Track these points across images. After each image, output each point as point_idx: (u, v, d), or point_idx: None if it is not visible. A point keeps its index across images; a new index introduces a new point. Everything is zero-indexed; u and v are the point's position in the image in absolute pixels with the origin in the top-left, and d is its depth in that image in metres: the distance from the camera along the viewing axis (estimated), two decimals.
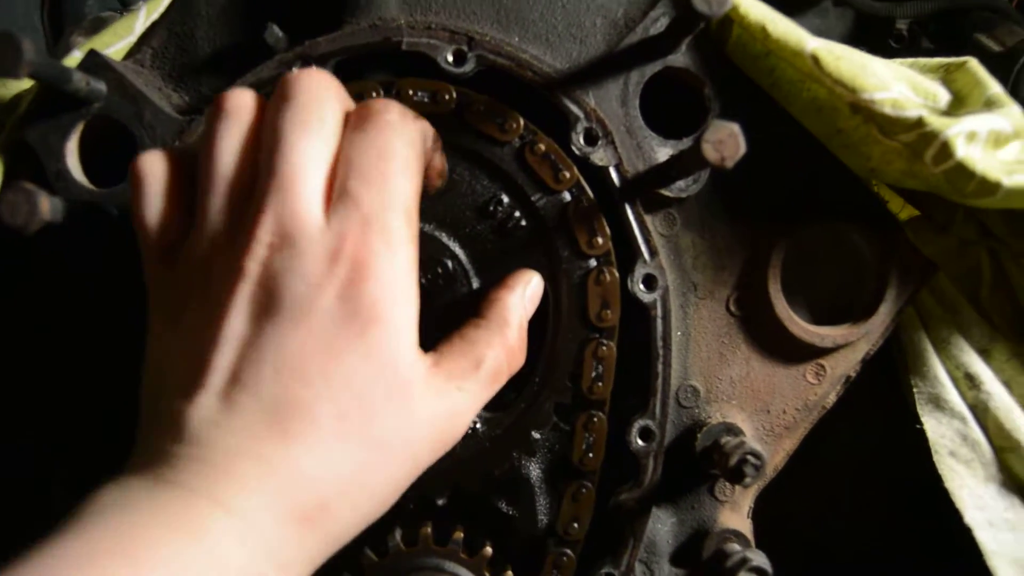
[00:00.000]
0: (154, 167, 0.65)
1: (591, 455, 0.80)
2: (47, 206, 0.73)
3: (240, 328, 0.59)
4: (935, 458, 0.83)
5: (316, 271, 0.59)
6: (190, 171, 0.66)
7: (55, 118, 0.81)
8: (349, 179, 0.60)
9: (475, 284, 0.78)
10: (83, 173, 0.83)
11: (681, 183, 0.78)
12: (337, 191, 0.60)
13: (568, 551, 0.83)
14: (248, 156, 0.63)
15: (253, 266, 0.59)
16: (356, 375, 0.59)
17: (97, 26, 1.60)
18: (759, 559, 0.76)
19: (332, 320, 0.59)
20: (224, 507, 0.54)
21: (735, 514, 0.84)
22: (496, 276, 0.77)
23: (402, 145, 0.63)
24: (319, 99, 0.62)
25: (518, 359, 0.73)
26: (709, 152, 0.63)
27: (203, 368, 0.58)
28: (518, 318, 0.74)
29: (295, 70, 0.64)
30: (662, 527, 0.85)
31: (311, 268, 0.59)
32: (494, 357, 0.70)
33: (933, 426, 0.83)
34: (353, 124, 0.63)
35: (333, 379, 0.59)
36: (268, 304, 0.59)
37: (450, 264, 0.78)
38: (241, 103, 0.64)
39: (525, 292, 0.75)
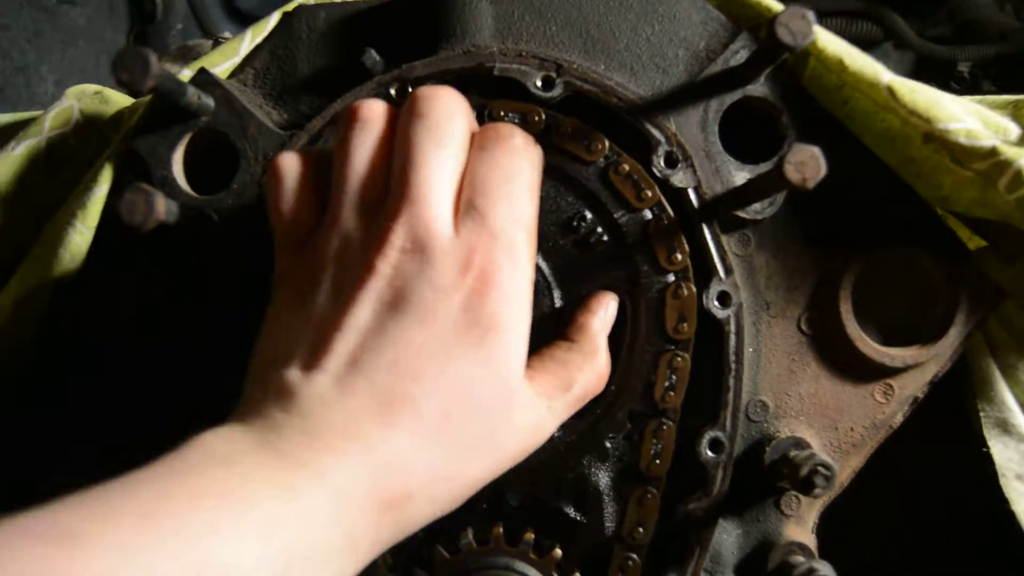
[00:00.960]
0: (290, 164, 0.72)
1: (658, 462, 0.83)
2: (163, 207, 0.79)
3: (365, 319, 0.63)
4: (1001, 481, 0.84)
5: (446, 279, 0.63)
6: (321, 172, 0.72)
7: (165, 130, 0.87)
8: (477, 196, 0.65)
9: (556, 295, 0.82)
10: (186, 181, 0.89)
11: (757, 205, 0.82)
12: (464, 206, 0.65)
13: (634, 555, 0.85)
14: (379, 163, 0.68)
15: (385, 267, 0.63)
16: (467, 378, 0.63)
17: (184, 54, 1.70)
18: (825, 569, 0.78)
19: (454, 325, 0.63)
20: (320, 478, 0.58)
21: (800, 528, 0.86)
22: (576, 289, 0.82)
23: (526, 167, 0.68)
24: (449, 116, 0.67)
25: (603, 384, 0.78)
26: (791, 173, 0.67)
27: (324, 349, 0.63)
28: (604, 343, 0.79)
29: (425, 87, 0.69)
30: (727, 538, 0.87)
31: (441, 276, 0.63)
32: (584, 381, 0.75)
33: (1000, 450, 0.84)
34: (479, 144, 0.68)
35: (445, 379, 0.63)
36: (395, 303, 0.63)
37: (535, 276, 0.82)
38: (375, 113, 0.69)
39: (605, 315, 0.80)
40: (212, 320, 0.89)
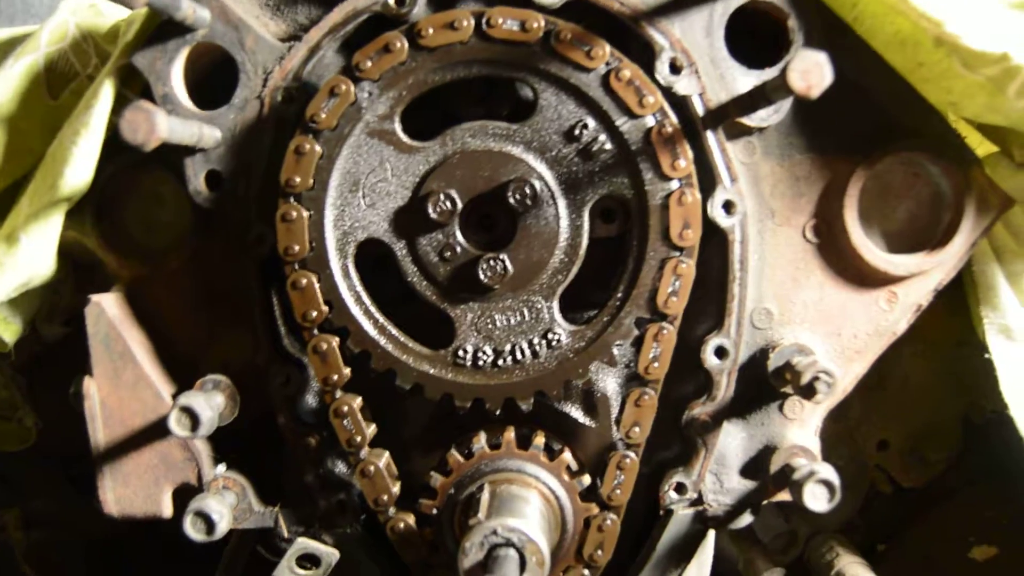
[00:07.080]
0: None
1: (656, 364, 0.84)
2: (164, 124, 0.78)
3: None
4: (1002, 387, 0.84)
5: None
6: None
7: (162, 44, 0.86)
8: None
9: (561, 204, 0.81)
10: (188, 96, 0.88)
11: (762, 112, 0.80)
12: None
13: (631, 454, 0.87)
14: None
15: None
16: None
17: None
18: (826, 472, 0.80)
19: None
20: None
21: (803, 431, 0.88)
22: (581, 197, 0.81)
23: None
24: None
25: None
26: (795, 81, 0.65)
27: None
28: None
29: None
30: (732, 441, 0.89)
31: None
32: None
33: (1002, 356, 0.85)
34: None
35: None
36: None
37: (537, 185, 0.81)
38: None
39: None
40: None
